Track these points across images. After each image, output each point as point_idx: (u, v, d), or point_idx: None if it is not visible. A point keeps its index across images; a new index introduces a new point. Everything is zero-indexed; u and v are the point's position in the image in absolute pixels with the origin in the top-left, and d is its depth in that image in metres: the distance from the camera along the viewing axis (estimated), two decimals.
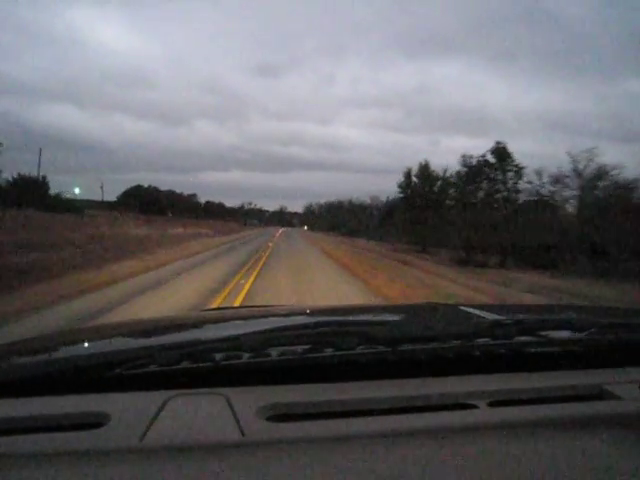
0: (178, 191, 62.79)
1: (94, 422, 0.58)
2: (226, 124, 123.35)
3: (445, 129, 72.59)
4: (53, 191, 25.21)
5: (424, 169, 23.80)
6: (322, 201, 75.13)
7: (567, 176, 16.08)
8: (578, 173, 15.92)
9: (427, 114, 55.31)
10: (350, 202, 44.77)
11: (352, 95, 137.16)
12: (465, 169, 20.37)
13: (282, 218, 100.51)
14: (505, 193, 19.02)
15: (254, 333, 0.85)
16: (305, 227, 70.14)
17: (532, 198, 17.48)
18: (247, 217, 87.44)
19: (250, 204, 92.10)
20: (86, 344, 1.00)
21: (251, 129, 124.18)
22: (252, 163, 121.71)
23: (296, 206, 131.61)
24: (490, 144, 19.56)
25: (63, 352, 0.91)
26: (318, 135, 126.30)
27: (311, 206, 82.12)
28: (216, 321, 1.27)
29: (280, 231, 46.76)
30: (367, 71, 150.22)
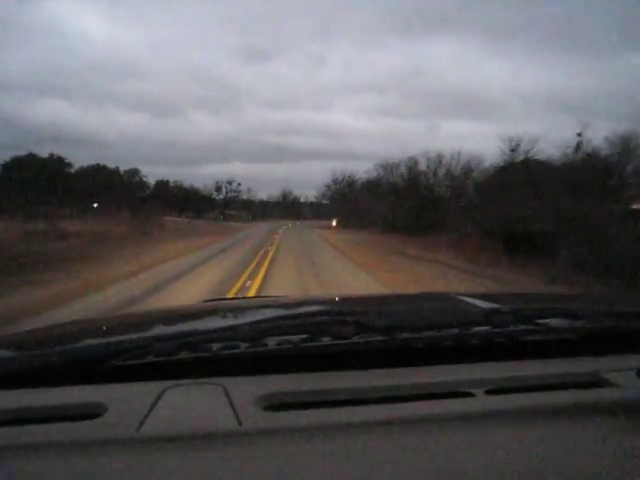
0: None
1: (91, 413, 0.63)
2: (221, 114, 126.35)
3: (445, 113, 74.63)
4: None
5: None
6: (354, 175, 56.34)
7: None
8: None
9: (425, 97, 69.99)
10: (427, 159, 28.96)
11: (346, 80, 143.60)
12: None
13: (287, 208, 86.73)
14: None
15: (251, 323, 0.92)
16: (333, 222, 50.71)
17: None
18: (229, 209, 75.91)
19: (232, 185, 75.61)
20: (83, 336, 1.04)
21: (246, 119, 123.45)
22: (251, 154, 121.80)
23: (306, 190, 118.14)
24: (494, 128, 14.78)
25: (60, 344, 0.95)
26: (315, 123, 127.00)
27: (334, 185, 62.15)
28: (213, 312, 1.33)
29: (274, 241, 22.94)
30: (359, 53, 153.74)
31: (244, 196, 77.87)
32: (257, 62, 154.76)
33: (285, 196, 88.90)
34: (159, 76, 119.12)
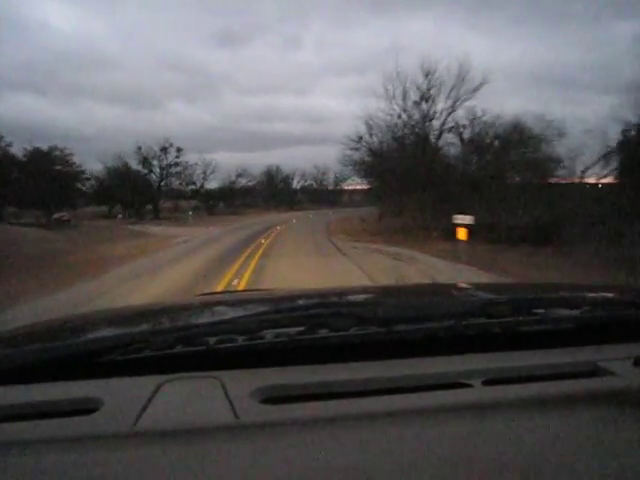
0: None
1: (87, 408, 0.66)
2: (200, 104, 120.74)
3: (373, 134, 41.48)
4: None
5: None
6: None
7: None
8: None
9: (405, 76, 25.46)
10: None
11: (326, 62, 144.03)
12: None
13: (277, 194, 68.37)
14: None
15: (247, 316, 0.96)
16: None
17: None
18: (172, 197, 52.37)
19: (167, 152, 48.69)
20: (78, 330, 1.10)
21: (226, 107, 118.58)
22: (235, 143, 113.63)
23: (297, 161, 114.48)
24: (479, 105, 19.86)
25: (55, 339, 1.01)
26: (297, 108, 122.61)
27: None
28: (210, 305, 1.40)
29: None
30: (335, 33, 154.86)
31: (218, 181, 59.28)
32: (232, 47, 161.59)
33: (271, 176, 66.65)
34: (133, 66, 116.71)
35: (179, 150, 47.46)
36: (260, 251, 14.55)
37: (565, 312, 0.97)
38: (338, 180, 74.60)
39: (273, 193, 68.24)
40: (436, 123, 22.05)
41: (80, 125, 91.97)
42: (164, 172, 48.09)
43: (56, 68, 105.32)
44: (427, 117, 21.87)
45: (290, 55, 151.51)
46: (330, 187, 77.26)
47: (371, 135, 37.08)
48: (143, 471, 0.52)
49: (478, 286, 1.48)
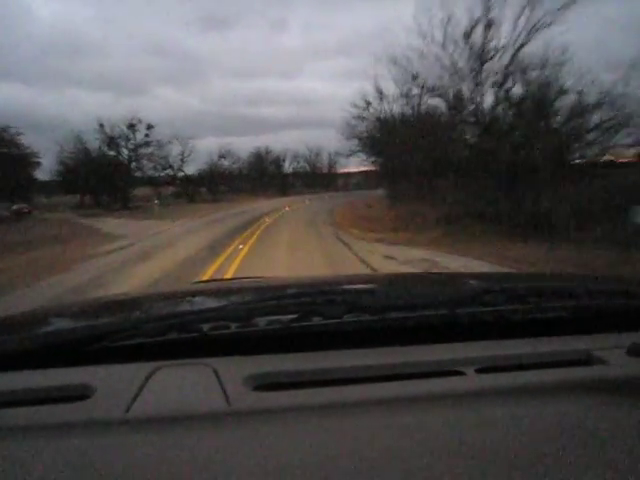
0: None
1: (80, 395, 0.66)
2: (187, 89, 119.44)
3: (384, 98, 35.54)
4: None
5: None
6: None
7: None
8: None
9: (394, 57, 21.05)
10: None
11: (312, 44, 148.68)
12: None
13: (265, 175, 62.15)
14: None
15: (241, 303, 0.98)
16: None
17: None
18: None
19: (134, 129, 40.14)
20: (71, 317, 1.12)
21: (214, 92, 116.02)
22: (224, 128, 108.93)
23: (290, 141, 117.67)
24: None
25: (47, 326, 1.01)
26: (286, 91, 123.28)
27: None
28: (203, 293, 1.39)
29: None
30: (320, 13, 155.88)
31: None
32: (218, 31, 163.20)
33: (260, 158, 60.26)
34: (118, 52, 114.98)
35: (149, 127, 39.30)
36: (233, 267, 8.33)
37: (559, 301, 0.98)
38: (333, 162, 69.22)
39: (263, 177, 61.13)
40: (492, 68, 14.24)
41: (67, 114, 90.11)
42: (133, 154, 39.90)
43: (40, 56, 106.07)
44: (483, 57, 14.03)
45: (276, 38, 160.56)
46: (324, 170, 71.28)
47: (382, 99, 27.88)
48: (135, 457, 0.52)
49: (472, 275, 1.67)
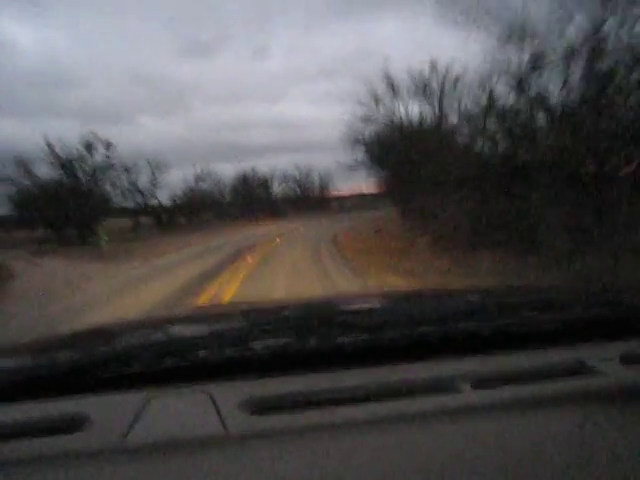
0: None
1: (75, 425, 0.66)
2: (170, 117, 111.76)
3: (398, 95, 30.94)
4: None
5: None
6: None
7: None
8: None
9: (376, 80, 24.58)
10: None
11: (294, 68, 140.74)
12: None
13: (252, 199, 53.61)
14: None
15: (236, 328, 0.95)
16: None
17: None
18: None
19: (90, 150, 31.45)
20: (65, 347, 1.08)
21: (198, 119, 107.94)
22: (209, 155, 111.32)
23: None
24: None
25: (41, 357, 0.98)
26: (270, 116, 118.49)
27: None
28: (198, 318, 1.43)
29: None
30: (302, 38, 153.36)
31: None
32: (200, 58, 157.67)
33: (246, 181, 54.57)
34: (100, 82, 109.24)
35: (109, 146, 31.72)
36: None
37: (551, 313, 0.97)
38: (325, 184, 64.23)
39: (250, 202, 54.18)
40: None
41: (44, 146, 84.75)
42: (91, 178, 32.44)
43: (20, 88, 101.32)
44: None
45: (259, 63, 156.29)
46: (315, 193, 65.24)
47: (395, 95, 21.48)
48: None
49: (465, 290, 1.61)
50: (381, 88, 21.50)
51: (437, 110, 19.81)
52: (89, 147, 31.77)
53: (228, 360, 0.80)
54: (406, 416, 0.63)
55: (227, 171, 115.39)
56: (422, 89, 20.05)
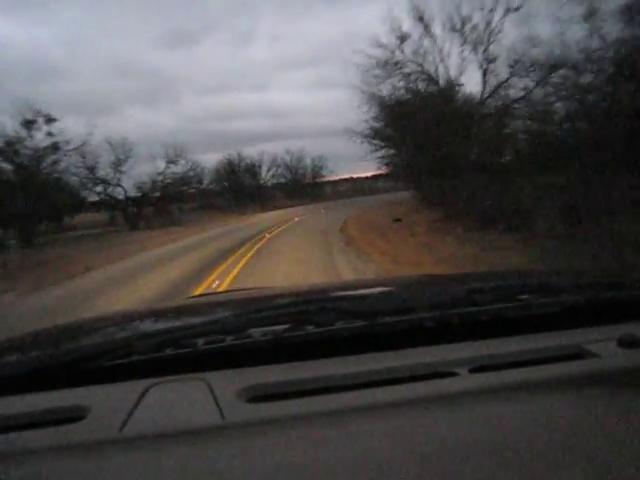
0: None
1: (74, 416, 0.66)
2: (159, 107, 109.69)
3: (385, 79, 27.03)
4: None
5: None
6: None
7: None
8: None
9: (362, 65, 17.70)
10: None
11: (280, 55, 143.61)
12: None
13: (239, 187, 42.91)
14: None
15: (233, 316, 0.96)
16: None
17: None
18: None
19: (33, 127, 22.61)
20: (63, 339, 1.08)
21: (186, 109, 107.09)
22: (198, 145, 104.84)
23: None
24: None
25: (39, 349, 0.99)
26: (257, 104, 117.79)
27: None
28: (195, 307, 1.42)
29: None
30: (286, 24, 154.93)
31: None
32: (184, 47, 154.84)
33: (232, 167, 49.40)
34: (85, 74, 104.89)
35: (49, 121, 24.08)
36: None
37: (548, 297, 0.97)
38: (317, 168, 58.14)
39: (237, 190, 48.00)
40: None
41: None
42: (33, 162, 24.51)
43: (3, 81, 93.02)
44: None
45: (245, 51, 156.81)
46: (307, 179, 58.96)
47: (427, 31, 14.88)
48: (132, 476, 0.52)
49: (462, 275, 1.61)
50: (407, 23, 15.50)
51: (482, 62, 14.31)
52: (28, 125, 24.22)
53: (225, 348, 0.81)
54: (404, 402, 0.63)
55: (216, 161, 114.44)
56: (460, 25, 14.52)
